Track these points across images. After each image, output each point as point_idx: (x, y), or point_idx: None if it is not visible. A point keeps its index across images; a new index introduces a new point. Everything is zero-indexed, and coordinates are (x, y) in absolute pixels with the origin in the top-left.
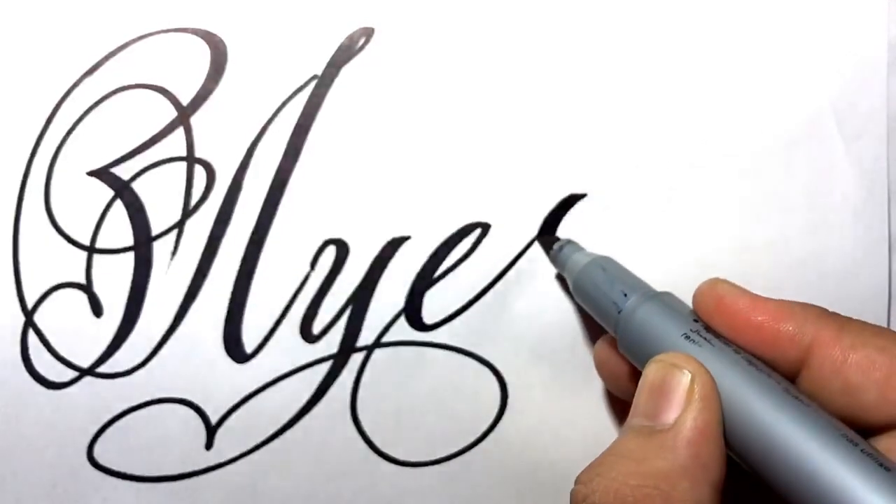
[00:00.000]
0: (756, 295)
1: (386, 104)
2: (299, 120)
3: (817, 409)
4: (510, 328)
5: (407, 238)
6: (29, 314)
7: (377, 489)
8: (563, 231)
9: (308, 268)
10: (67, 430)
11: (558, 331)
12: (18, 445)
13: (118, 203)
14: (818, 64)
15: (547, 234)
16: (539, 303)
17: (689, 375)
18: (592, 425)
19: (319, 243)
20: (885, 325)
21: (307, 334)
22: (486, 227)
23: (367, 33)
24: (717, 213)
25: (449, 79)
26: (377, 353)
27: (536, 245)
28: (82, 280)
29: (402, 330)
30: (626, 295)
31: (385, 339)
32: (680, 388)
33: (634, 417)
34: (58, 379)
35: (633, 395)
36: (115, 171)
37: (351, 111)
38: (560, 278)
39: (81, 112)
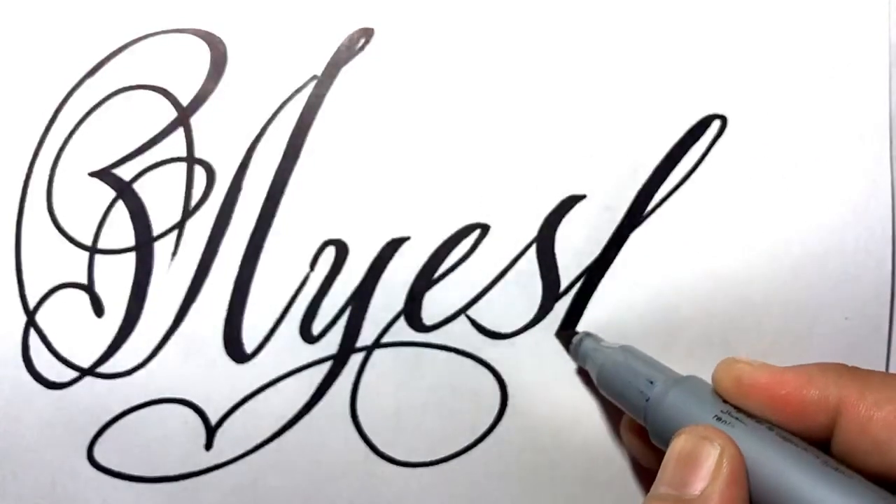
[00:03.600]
0: (774, 367)
1: (385, 104)
2: (299, 120)
3: (852, 477)
4: (510, 328)
5: (407, 238)
6: (31, 314)
7: (377, 489)
8: (563, 231)
9: (308, 268)
10: (67, 430)
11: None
12: (18, 445)
13: (120, 203)
14: (819, 65)
15: (564, 326)
16: (538, 304)
17: (719, 448)
18: (592, 425)
19: (319, 244)
20: (886, 327)
21: (307, 334)
22: (486, 228)
23: (367, 33)
24: (717, 214)
25: (448, 79)
26: (377, 353)
27: (536, 246)
28: (84, 280)
29: (402, 330)
30: (652, 383)
31: (385, 340)
32: (709, 461)
33: (661, 486)
34: (58, 379)
35: (658, 464)
36: (117, 171)
37: (350, 111)
38: (581, 371)
39: (83, 113)
